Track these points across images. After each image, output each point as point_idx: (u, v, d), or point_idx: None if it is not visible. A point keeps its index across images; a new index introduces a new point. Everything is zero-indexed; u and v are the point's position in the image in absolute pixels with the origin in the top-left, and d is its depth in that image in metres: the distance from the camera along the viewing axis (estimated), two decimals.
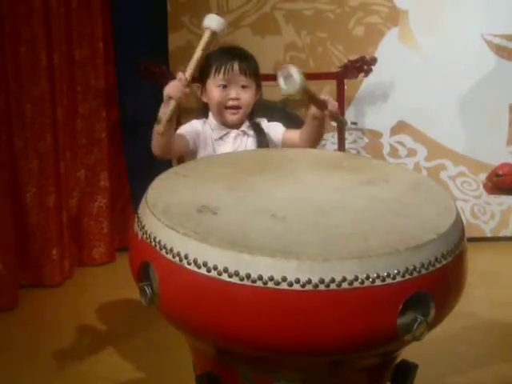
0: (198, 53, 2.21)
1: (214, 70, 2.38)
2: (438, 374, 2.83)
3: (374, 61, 4.20)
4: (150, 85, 3.92)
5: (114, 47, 4.40)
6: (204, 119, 2.44)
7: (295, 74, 1.96)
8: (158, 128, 2.14)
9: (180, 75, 2.18)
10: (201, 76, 2.43)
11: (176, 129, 2.34)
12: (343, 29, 4.42)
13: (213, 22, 2.19)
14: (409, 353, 1.77)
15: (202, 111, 2.47)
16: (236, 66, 2.37)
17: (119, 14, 4.39)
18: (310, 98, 2.15)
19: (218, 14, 2.29)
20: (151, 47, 4.46)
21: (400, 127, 4.51)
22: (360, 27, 4.42)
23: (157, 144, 2.23)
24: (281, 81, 1.99)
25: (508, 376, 2.85)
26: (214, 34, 2.19)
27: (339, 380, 1.68)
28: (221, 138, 2.40)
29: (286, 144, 2.40)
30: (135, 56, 4.26)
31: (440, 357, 2.97)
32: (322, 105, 2.18)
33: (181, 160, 2.53)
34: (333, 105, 2.20)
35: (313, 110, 2.22)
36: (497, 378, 2.84)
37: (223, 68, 2.37)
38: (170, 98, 2.15)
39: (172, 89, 2.17)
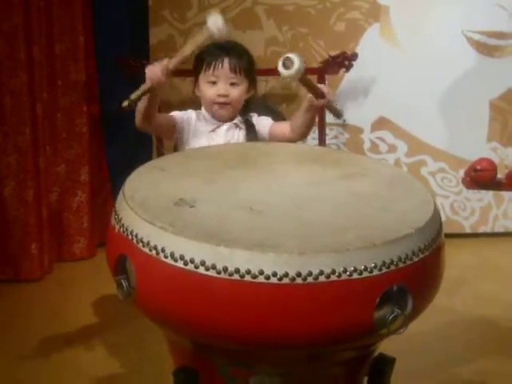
0: (188, 49, 2.20)
1: (205, 66, 2.39)
2: (417, 369, 2.84)
3: (355, 56, 4.20)
4: (132, 79, 3.89)
5: (95, 41, 4.38)
6: (199, 111, 2.46)
7: (295, 58, 1.97)
8: (123, 103, 2.18)
9: (164, 61, 2.19)
10: (194, 70, 2.44)
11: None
12: (324, 24, 4.41)
13: (216, 25, 2.13)
14: (387, 348, 1.78)
15: (196, 104, 2.49)
16: (226, 63, 2.37)
17: (100, 8, 4.36)
18: (308, 85, 2.15)
19: (221, 15, 2.16)
20: (132, 41, 4.43)
21: (381, 123, 4.51)
22: (341, 23, 4.41)
23: (137, 115, 2.32)
24: (280, 65, 2.00)
25: (488, 371, 2.85)
26: (212, 37, 2.15)
27: (317, 373, 1.68)
28: (214, 130, 2.42)
29: (274, 136, 2.40)
30: (116, 50, 4.23)
31: (419, 352, 2.98)
32: (320, 94, 2.17)
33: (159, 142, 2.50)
34: (331, 95, 2.21)
35: (310, 99, 2.21)
36: (476, 373, 2.85)
37: (213, 64, 2.37)
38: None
39: (150, 70, 2.18)
